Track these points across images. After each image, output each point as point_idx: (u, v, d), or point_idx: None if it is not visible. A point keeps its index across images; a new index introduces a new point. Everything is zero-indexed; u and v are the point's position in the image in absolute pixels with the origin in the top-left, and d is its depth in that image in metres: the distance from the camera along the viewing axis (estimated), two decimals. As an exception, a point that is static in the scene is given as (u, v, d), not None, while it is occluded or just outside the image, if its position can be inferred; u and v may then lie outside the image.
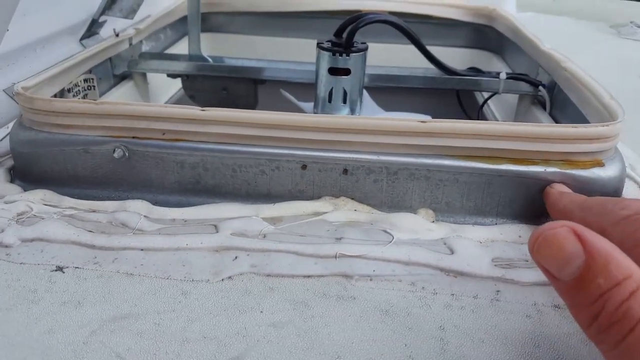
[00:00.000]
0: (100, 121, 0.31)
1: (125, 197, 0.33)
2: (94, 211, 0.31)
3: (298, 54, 0.62)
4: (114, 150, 0.32)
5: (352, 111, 0.43)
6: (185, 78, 0.52)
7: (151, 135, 0.32)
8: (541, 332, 0.24)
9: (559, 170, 0.30)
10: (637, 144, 0.45)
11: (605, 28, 0.93)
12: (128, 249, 0.28)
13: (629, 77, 0.66)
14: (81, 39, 0.51)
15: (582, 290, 0.18)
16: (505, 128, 0.29)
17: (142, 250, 0.28)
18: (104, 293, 0.25)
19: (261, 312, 0.25)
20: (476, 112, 0.57)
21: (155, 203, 0.32)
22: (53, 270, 0.27)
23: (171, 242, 0.28)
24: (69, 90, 0.42)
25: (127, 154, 0.32)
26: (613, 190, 0.31)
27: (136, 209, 0.31)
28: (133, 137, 0.32)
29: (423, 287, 0.26)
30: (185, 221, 0.31)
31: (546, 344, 0.23)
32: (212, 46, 0.70)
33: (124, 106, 0.31)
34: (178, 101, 0.59)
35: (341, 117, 0.30)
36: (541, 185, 0.30)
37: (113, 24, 0.53)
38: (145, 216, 0.31)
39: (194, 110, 0.30)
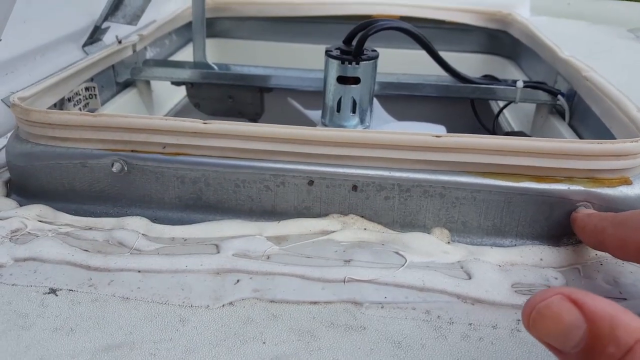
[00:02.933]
0: (98, 134, 0.30)
1: (124, 212, 0.32)
2: (90, 228, 0.30)
3: (307, 60, 0.60)
4: (113, 164, 0.30)
5: (362, 121, 0.42)
6: (190, 86, 0.51)
7: (151, 148, 0.30)
8: (566, 368, 0.22)
9: (583, 188, 0.28)
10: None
11: (623, 33, 0.91)
12: (125, 270, 0.27)
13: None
14: (83, 46, 0.50)
15: None
16: (525, 144, 0.28)
17: (139, 272, 0.27)
18: (98, 319, 0.24)
19: (264, 343, 0.23)
20: (491, 122, 0.55)
21: (155, 219, 0.31)
22: (46, 293, 0.25)
23: (170, 263, 0.27)
24: (69, 100, 0.40)
25: (126, 168, 0.31)
26: (641, 209, 0.29)
27: (134, 227, 0.30)
28: (132, 151, 0.30)
29: (438, 316, 0.25)
30: (185, 240, 0.29)
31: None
32: (218, 52, 0.69)
33: (122, 118, 0.30)
34: (183, 109, 0.58)
35: (350, 130, 0.29)
36: (564, 204, 0.28)
37: (116, 30, 0.52)
38: (143, 234, 0.29)
39: (196, 123, 0.29)
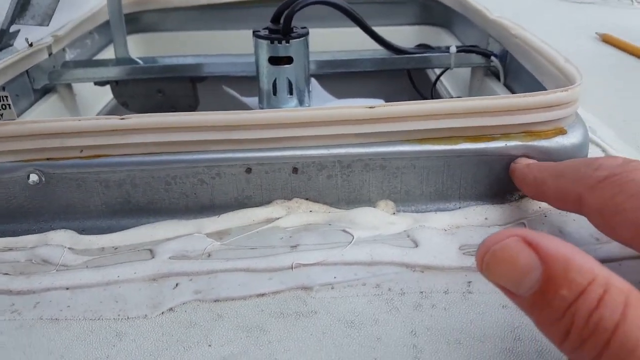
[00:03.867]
0: (7, 145, 0.27)
1: (48, 227, 0.29)
2: (10, 249, 0.27)
3: (241, 47, 0.58)
4: (28, 176, 0.28)
5: (301, 102, 0.40)
6: (115, 84, 0.48)
7: (67, 154, 0.28)
8: (521, 323, 0.22)
9: (520, 143, 0.28)
10: (597, 107, 0.43)
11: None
12: (52, 289, 0.25)
13: (582, 41, 0.65)
14: (-8, 54, 0.46)
15: (546, 305, 0.15)
16: (458, 105, 0.27)
17: (67, 289, 0.25)
18: (24, 347, 0.22)
19: (209, 345, 0.21)
20: (429, 91, 0.54)
21: (83, 231, 0.29)
22: (-37, 327, 0.23)
23: (100, 275, 0.25)
24: (-22, 112, 0.37)
25: (43, 179, 0.28)
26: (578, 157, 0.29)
27: (59, 241, 0.27)
28: (48, 159, 0.28)
29: (389, 289, 0.24)
30: (116, 248, 0.27)
31: (527, 335, 0.21)
32: (146, 47, 0.65)
33: (32, 124, 0.27)
34: (111, 111, 0.55)
35: (282, 110, 0.27)
36: (503, 162, 0.28)
37: (29, 33, 0.48)
38: (69, 248, 0.27)
39: (112, 120, 0.27)
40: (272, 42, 0.37)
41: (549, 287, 0.15)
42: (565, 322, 0.15)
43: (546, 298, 0.15)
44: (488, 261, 0.16)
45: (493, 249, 0.16)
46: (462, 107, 0.27)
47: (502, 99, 0.27)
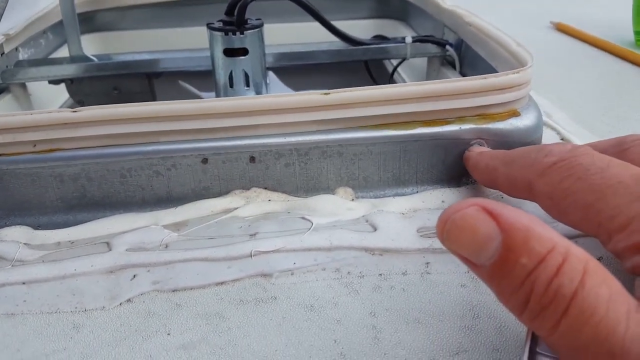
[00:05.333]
0: (-46, 142, 0.27)
1: (2, 224, 0.28)
2: (-40, 248, 0.26)
3: (198, 43, 0.58)
4: (-22, 174, 0.27)
5: (258, 95, 0.40)
6: (70, 82, 0.47)
7: (20, 149, 0.27)
8: (479, 301, 0.22)
9: (474, 126, 0.29)
10: (552, 93, 0.45)
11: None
12: (7, 285, 0.24)
13: (537, 30, 0.67)
14: (-61, 54, 0.45)
15: (506, 274, 0.15)
16: (411, 89, 0.27)
17: (24, 283, 0.24)
18: (-25, 345, 0.21)
19: (168, 334, 0.21)
20: (387, 83, 0.55)
21: (39, 227, 0.28)
22: None
23: (57, 269, 0.24)
24: None
25: (-5, 176, 0.27)
26: (532, 140, 0.30)
27: (14, 237, 0.27)
28: (0, 155, 0.27)
29: (349, 272, 0.24)
30: (72, 243, 0.26)
31: (486, 313, 0.22)
32: (103, 47, 0.64)
33: (-21, 120, 0.26)
34: (68, 110, 0.54)
35: (236, 98, 0.27)
36: (459, 145, 0.29)
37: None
38: (25, 244, 0.26)
39: (64, 113, 0.26)
40: (226, 34, 0.37)
41: (509, 256, 0.15)
42: (524, 291, 0.15)
43: (506, 267, 0.15)
44: (448, 230, 0.16)
45: (453, 218, 0.16)
46: (415, 92, 0.27)
47: (455, 82, 0.28)
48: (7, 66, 0.46)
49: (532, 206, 0.24)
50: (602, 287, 0.15)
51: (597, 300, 0.14)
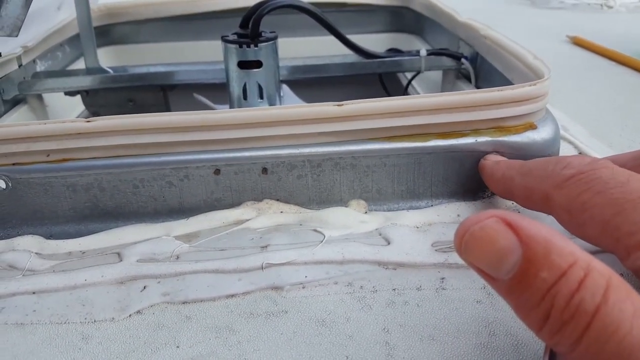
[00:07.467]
0: (-30, 151, 0.27)
1: (15, 233, 0.28)
2: (-27, 257, 0.26)
3: (212, 57, 0.58)
4: (-7, 182, 0.27)
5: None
6: (86, 94, 0.47)
7: (34, 158, 0.27)
8: (495, 318, 0.22)
9: (490, 139, 0.28)
10: (569, 106, 0.44)
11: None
12: (17, 294, 0.24)
13: (554, 43, 0.66)
14: (-41, 65, 0.45)
15: (525, 288, 0.15)
16: (425, 101, 0.27)
17: (34, 293, 0.24)
18: (-15, 354, 0.21)
19: (177, 347, 0.21)
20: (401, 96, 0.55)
21: (51, 236, 0.28)
22: None
23: (67, 279, 0.24)
24: (-58, 122, 0.36)
25: (10, 185, 0.27)
26: (550, 154, 0.29)
27: (26, 246, 0.27)
28: (14, 164, 0.27)
29: (361, 287, 0.24)
30: (84, 253, 0.26)
31: (502, 330, 0.21)
32: (118, 60, 0.65)
33: (-5, 129, 0.26)
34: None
35: (249, 109, 0.27)
36: (474, 158, 0.28)
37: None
38: (36, 253, 0.26)
39: (78, 123, 0.26)
40: (240, 47, 0.37)
41: (529, 269, 0.15)
42: (544, 306, 0.14)
43: (526, 281, 0.15)
44: (467, 241, 0.16)
45: (472, 229, 0.15)
46: (430, 104, 0.27)
47: (470, 94, 0.27)
48: (24, 77, 0.47)
49: (549, 220, 0.23)
50: (626, 302, 0.14)
51: (621, 316, 0.14)
